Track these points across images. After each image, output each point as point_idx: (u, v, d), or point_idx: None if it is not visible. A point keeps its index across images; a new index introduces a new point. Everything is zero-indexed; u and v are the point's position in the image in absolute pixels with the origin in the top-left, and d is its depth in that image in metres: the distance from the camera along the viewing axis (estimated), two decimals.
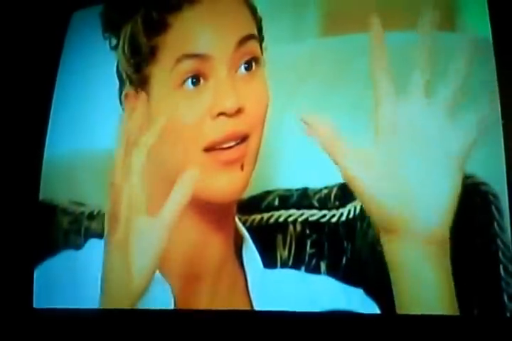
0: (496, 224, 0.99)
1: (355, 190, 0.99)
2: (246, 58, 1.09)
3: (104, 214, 1.19)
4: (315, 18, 1.22)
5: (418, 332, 1.00)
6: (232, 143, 1.08)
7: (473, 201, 1.02)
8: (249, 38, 1.10)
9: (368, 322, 1.04)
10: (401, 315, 0.99)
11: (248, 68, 1.09)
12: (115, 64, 1.16)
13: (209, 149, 1.08)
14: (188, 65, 1.07)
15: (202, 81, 1.08)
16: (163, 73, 1.09)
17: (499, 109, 1.03)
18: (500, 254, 0.98)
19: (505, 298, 0.96)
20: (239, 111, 1.07)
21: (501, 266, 0.97)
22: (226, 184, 1.08)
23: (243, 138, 1.08)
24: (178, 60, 1.08)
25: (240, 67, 1.09)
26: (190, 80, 1.07)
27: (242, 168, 1.09)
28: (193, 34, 1.09)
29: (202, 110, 1.07)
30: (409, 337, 1.00)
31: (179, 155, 1.10)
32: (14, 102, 1.40)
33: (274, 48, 1.15)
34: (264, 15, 1.14)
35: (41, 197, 1.32)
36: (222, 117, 1.07)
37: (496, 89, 1.04)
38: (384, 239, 0.98)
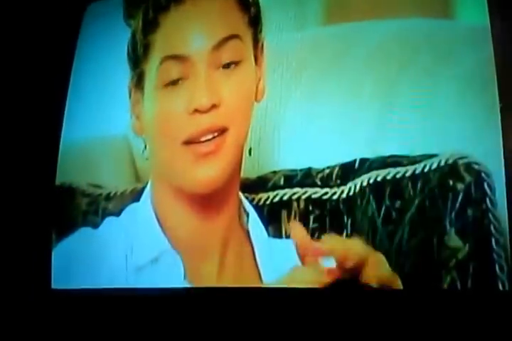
0: (488, 200, 1.03)
1: None
2: (227, 58, 1.14)
3: (120, 195, 1.26)
4: (317, 6, 1.25)
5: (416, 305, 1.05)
6: (209, 137, 1.14)
7: (467, 179, 1.06)
8: (230, 37, 1.14)
9: (371, 296, 1.09)
10: (402, 289, 1.05)
11: (229, 66, 1.14)
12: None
13: (188, 143, 1.15)
14: (170, 66, 1.14)
15: (183, 79, 1.14)
16: (152, 71, 1.16)
17: (497, 93, 1.07)
18: (491, 228, 1.03)
19: (497, 269, 1.01)
20: (214, 106, 1.13)
21: (493, 239, 1.02)
22: (203, 176, 1.15)
23: (221, 131, 1.14)
24: (162, 61, 1.14)
25: (221, 65, 1.14)
26: (172, 80, 1.14)
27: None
28: (176, 35, 1.14)
29: (181, 107, 1.14)
30: (410, 310, 1.05)
31: (163, 149, 1.17)
32: (32, 90, 1.45)
33: (277, 36, 1.20)
34: (267, 3, 1.19)
35: (60, 180, 1.37)
36: (197, 113, 1.13)
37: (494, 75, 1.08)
38: None
